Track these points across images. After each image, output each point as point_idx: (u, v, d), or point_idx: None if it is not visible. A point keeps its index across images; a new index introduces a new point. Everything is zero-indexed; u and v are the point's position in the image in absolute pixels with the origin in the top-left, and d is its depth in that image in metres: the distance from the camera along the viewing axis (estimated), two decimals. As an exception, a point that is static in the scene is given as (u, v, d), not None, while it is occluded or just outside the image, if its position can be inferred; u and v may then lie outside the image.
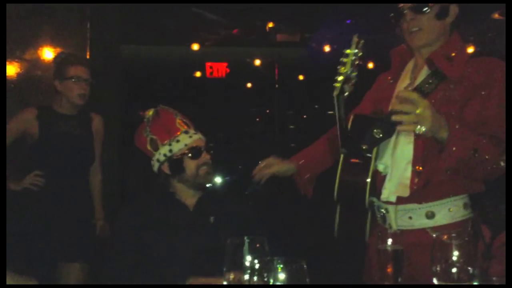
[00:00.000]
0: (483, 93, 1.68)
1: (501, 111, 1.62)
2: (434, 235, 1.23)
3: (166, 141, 2.08)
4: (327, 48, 6.54)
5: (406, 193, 1.70)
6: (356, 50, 1.74)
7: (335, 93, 1.71)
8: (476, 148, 1.55)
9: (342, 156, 1.75)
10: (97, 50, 3.93)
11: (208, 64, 7.15)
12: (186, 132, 2.10)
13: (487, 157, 1.56)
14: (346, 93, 1.73)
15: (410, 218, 1.73)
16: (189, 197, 2.10)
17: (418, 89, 1.73)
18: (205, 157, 2.09)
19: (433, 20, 1.78)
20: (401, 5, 1.80)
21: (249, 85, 8.07)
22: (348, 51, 1.75)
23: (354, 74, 1.72)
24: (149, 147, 2.09)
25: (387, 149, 1.75)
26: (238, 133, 7.66)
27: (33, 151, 2.89)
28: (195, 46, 6.59)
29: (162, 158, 2.07)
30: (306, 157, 2.14)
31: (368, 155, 1.73)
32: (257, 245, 1.18)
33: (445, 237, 1.20)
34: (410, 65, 1.90)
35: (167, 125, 2.11)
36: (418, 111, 1.48)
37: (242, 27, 6.52)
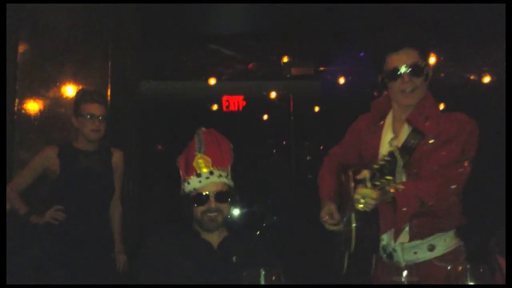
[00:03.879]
0: (451, 141, 1.89)
1: (459, 158, 1.88)
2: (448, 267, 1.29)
3: (182, 177, 2.08)
4: (341, 81, 6.62)
5: (406, 239, 1.94)
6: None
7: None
8: (420, 199, 1.81)
9: (353, 215, 1.92)
10: (118, 87, 4.04)
11: (225, 97, 7.26)
12: (198, 176, 2.03)
13: (430, 203, 1.83)
14: None
15: (415, 253, 1.95)
16: (212, 235, 2.06)
17: (404, 147, 1.93)
18: (211, 205, 2.02)
19: (423, 81, 1.96)
20: (397, 65, 1.93)
21: (265, 117, 8.15)
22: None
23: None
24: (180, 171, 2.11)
25: None
26: (255, 165, 7.70)
27: (55, 186, 2.96)
28: (212, 81, 6.72)
29: (183, 190, 2.08)
30: (332, 192, 2.21)
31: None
32: (273, 278, 1.20)
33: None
34: (389, 118, 2.07)
35: (188, 159, 2.07)
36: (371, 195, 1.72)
37: (258, 61, 6.64)
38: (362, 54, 6.10)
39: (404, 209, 1.80)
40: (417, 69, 1.93)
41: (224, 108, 7.33)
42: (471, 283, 1.25)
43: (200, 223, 2.03)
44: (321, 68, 6.61)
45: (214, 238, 2.06)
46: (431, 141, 1.91)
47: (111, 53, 4.00)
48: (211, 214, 2.01)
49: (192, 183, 2.02)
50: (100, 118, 2.96)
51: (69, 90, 3.89)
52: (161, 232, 2.13)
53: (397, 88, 1.96)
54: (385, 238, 1.98)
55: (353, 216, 1.92)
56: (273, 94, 7.24)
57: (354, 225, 1.92)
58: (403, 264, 1.95)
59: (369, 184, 1.70)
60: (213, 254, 2.02)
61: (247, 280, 1.19)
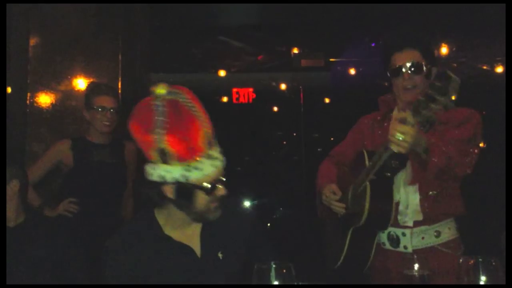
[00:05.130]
0: (463, 124, 2.01)
1: (471, 139, 1.98)
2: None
3: (184, 162, 1.55)
4: (351, 72, 6.59)
5: (420, 217, 2.04)
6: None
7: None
8: (449, 154, 1.88)
9: (369, 186, 1.99)
10: (128, 80, 4.06)
11: (235, 89, 7.26)
12: (210, 158, 1.58)
13: (453, 163, 1.90)
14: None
15: (423, 238, 2.05)
16: (184, 229, 1.69)
17: None
18: (221, 191, 1.63)
19: (424, 79, 2.06)
20: (400, 64, 2.07)
21: (275, 109, 8.14)
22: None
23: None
24: (154, 155, 1.57)
25: (400, 180, 2.07)
26: (265, 157, 7.71)
27: (68, 179, 2.99)
28: (222, 73, 6.72)
29: (169, 178, 1.57)
30: (333, 181, 2.27)
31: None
32: (284, 270, 1.21)
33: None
34: (395, 115, 2.13)
35: (189, 137, 1.54)
36: (411, 132, 1.74)
37: (267, 53, 6.63)
38: (373, 44, 6.06)
39: (435, 159, 1.85)
40: (418, 68, 2.07)
41: (234, 100, 7.33)
42: (483, 277, 1.24)
43: (202, 213, 1.65)
44: (331, 60, 6.58)
45: (186, 236, 1.70)
46: (440, 125, 1.98)
47: (121, 46, 4.02)
48: (219, 202, 1.65)
49: (205, 169, 1.56)
50: (112, 110, 2.97)
51: (80, 83, 3.91)
52: (121, 230, 1.80)
53: (400, 85, 2.10)
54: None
55: (367, 191, 1.98)
56: (283, 86, 7.22)
57: (368, 198, 1.97)
58: (410, 249, 2.03)
59: (411, 120, 1.73)
60: (197, 261, 1.69)
61: (257, 273, 1.20)
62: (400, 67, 2.07)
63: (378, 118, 2.25)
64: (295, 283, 1.13)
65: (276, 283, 1.19)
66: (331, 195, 2.15)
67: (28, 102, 3.87)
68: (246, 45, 6.33)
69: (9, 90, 3.83)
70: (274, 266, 1.20)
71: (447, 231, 2.06)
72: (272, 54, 6.68)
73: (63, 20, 3.92)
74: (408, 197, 2.06)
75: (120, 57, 3.99)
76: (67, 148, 2.98)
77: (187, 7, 5.17)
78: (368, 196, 1.98)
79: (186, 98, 1.57)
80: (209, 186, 1.59)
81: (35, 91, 3.89)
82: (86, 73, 3.93)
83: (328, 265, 2.26)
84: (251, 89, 7.30)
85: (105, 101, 2.97)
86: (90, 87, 3.15)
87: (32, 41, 3.91)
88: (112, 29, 3.99)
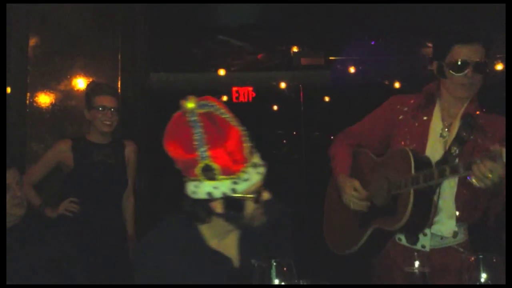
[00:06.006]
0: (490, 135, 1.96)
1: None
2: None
3: (230, 176, 1.48)
4: (351, 70, 6.59)
5: (453, 226, 1.98)
6: None
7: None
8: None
9: (412, 195, 1.89)
10: (127, 79, 4.06)
11: (234, 88, 7.27)
12: (255, 166, 1.53)
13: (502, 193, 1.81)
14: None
15: (442, 239, 2.01)
16: (223, 239, 1.62)
17: (457, 139, 1.96)
18: (266, 195, 1.57)
19: (482, 79, 1.97)
20: (465, 59, 1.92)
21: (275, 107, 8.14)
22: None
23: None
24: (198, 173, 1.48)
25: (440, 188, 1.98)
26: (265, 156, 7.71)
27: (68, 180, 2.99)
28: (222, 72, 6.72)
29: (217, 194, 1.50)
30: (349, 169, 2.20)
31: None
32: (284, 268, 1.20)
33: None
34: (437, 108, 2.06)
35: (232, 148, 1.46)
36: (499, 170, 1.66)
37: (267, 52, 6.63)
38: (373, 42, 6.05)
39: (501, 198, 1.81)
40: (482, 67, 1.94)
41: (234, 99, 7.34)
42: (484, 274, 1.24)
43: (249, 221, 1.58)
44: (331, 58, 6.58)
45: (223, 244, 1.64)
46: (489, 135, 1.94)
47: (121, 46, 4.02)
48: (263, 209, 1.59)
49: (253, 178, 1.52)
50: (112, 110, 2.97)
51: (80, 83, 3.91)
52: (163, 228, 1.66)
53: (459, 80, 1.96)
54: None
55: (411, 199, 1.89)
56: (282, 85, 7.23)
57: (410, 207, 1.88)
58: (427, 248, 1.98)
59: (504, 158, 1.64)
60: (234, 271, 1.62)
61: (258, 271, 1.20)
62: (466, 63, 1.92)
63: (415, 106, 2.09)
64: (296, 281, 1.12)
65: (276, 281, 1.18)
66: (353, 193, 2.05)
67: (28, 102, 3.87)
68: (246, 44, 6.33)
69: (9, 90, 3.83)
70: (274, 264, 1.19)
71: (463, 232, 2.03)
72: (272, 53, 6.69)
73: (63, 20, 3.91)
74: (444, 205, 1.99)
75: (120, 56, 3.99)
76: (67, 148, 2.98)
77: (187, 6, 5.17)
78: (410, 205, 1.88)
79: (217, 106, 1.49)
80: (255, 195, 1.53)
81: (35, 91, 3.88)
82: (86, 73, 3.93)
83: (333, 249, 2.19)
84: (251, 88, 7.31)
85: (106, 101, 2.97)
86: (90, 87, 3.15)
87: (32, 41, 3.91)
88: (112, 29, 3.98)
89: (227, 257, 1.61)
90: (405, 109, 2.09)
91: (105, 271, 2.87)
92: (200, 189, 1.50)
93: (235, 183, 1.49)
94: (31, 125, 3.85)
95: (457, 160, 1.92)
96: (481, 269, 1.23)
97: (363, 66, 6.39)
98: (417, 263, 1.44)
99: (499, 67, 6.15)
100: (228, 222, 1.58)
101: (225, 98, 7.52)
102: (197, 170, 1.47)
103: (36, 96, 3.89)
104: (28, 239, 2.35)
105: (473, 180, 1.70)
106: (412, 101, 2.10)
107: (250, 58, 6.64)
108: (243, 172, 1.49)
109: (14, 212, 2.29)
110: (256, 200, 1.53)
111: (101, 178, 2.97)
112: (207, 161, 1.44)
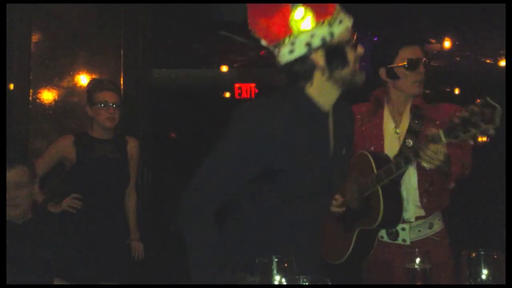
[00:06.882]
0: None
1: None
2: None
3: (325, 18, 1.49)
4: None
5: (422, 212, 2.15)
6: None
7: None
8: (463, 161, 1.99)
9: (381, 192, 2.02)
10: (130, 76, 4.07)
11: (237, 85, 7.26)
12: (343, 11, 1.55)
13: (467, 171, 2.03)
14: None
15: (419, 231, 2.16)
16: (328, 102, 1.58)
17: (409, 132, 2.13)
18: (360, 48, 1.57)
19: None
20: (418, 57, 2.11)
21: (277, 104, 8.12)
22: None
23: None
24: (294, 25, 1.48)
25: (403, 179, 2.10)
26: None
27: (71, 175, 3.00)
28: (224, 68, 6.72)
29: (316, 42, 1.49)
30: None
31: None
32: (285, 265, 1.20)
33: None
34: (387, 109, 2.22)
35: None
36: (443, 150, 1.80)
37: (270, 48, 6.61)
38: (375, 38, 6.04)
39: (455, 169, 1.94)
40: (428, 64, 2.15)
41: (237, 96, 7.34)
42: (485, 270, 1.24)
43: (352, 76, 1.58)
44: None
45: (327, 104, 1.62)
46: (437, 122, 2.05)
47: (123, 42, 4.02)
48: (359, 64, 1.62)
49: (345, 21, 1.53)
50: (114, 106, 2.98)
51: (83, 79, 3.92)
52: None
53: (413, 78, 2.13)
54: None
55: (380, 197, 2.01)
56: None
57: (382, 205, 2.01)
58: (408, 242, 2.14)
59: (443, 139, 1.76)
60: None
61: (258, 267, 1.20)
62: (417, 60, 2.11)
63: (366, 112, 2.26)
64: (297, 277, 1.12)
65: (277, 277, 1.19)
66: (333, 202, 2.12)
67: (30, 98, 3.88)
68: (248, 40, 6.32)
69: (11, 86, 3.85)
70: (276, 260, 1.19)
71: (438, 222, 2.19)
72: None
73: (65, 16, 3.92)
74: (409, 194, 2.13)
75: (122, 52, 4.00)
76: (70, 144, 2.99)
77: (189, 2, 5.16)
78: (381, 202, 2.01)
79: None
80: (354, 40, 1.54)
81: (37, 87, 3.90)
82: (88, 69, 3.94)
83: (328, 260, 2.26)
84: (253, 84, 7.31)
85: (108, 97, 2.98)
86: (92, 83, 3.16)
87: (34, 38, 3.92)
88: (114, 25, 3.99)
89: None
90: (358, 116, 2.21)
91: (107, 267, 2.88)
92: (297, 43, 1.50)
93: (330, 25, 1.49)
94: (34, 121, 3.86)
95: None
96: (482, 265, 1.22)
97: (365, 62, 6.37)
98: (418, 260, 1.45)
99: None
100: (331, 77, 1.54)
101: (227, 94, 7.52)
102: (291, 20, 1.49)
103: (39, 92, 3.90)
104: (35, 237, 2.36)
105: (424, 164, 1.83)
106: (363, 109, 2.26)
107: (253, 55, 6.63)
108: (338, 15, 1.51)
109: (8, 213, 2.28)
110: (354, 46, 1.54)
111: (104, 173, 2.98)
112: (302, 7, 1.48)
